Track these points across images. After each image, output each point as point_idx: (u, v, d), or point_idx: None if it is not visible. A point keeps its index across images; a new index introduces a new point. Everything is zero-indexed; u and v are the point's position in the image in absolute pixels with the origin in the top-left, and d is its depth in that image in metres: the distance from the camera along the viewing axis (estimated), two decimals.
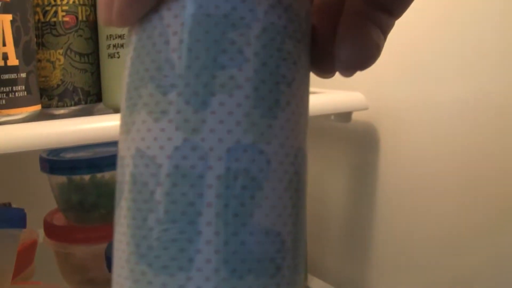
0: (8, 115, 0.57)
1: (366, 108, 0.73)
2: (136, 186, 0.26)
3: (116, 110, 0.64)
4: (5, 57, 0.57)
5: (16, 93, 0.58)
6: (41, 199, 0.83)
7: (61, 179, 0.78)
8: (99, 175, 0.77)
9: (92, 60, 0.64)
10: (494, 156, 0.64)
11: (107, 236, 0.75)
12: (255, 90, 0.26)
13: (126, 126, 0.27)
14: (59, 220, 0.80)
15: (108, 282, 0.82)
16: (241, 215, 0.25)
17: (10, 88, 0.57)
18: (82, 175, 0.77)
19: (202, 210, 0.25)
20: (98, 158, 0.76)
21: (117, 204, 0.27)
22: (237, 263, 0.25)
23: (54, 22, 0.62)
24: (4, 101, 0.57)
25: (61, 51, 0.62)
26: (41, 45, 0.63)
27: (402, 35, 0.71)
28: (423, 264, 0.73)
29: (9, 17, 0.57)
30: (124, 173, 0.27)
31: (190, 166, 0.25)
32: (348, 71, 0.27)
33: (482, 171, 0.65)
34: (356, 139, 0.80)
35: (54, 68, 0.63)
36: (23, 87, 0.58)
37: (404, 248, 0.75)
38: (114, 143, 0.83)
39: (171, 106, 0.25)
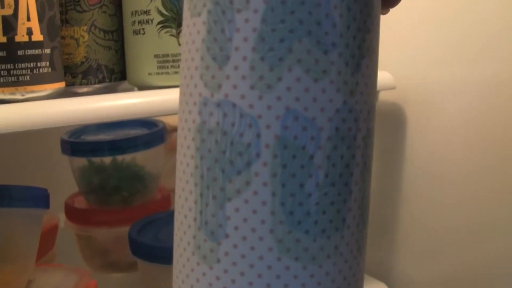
0: (33, 91, 0.56)
1: (393, 88, 0.71)
2: (287, 151, 0.24)
3: (140, 88, 0.63)
4: (30, 32, 0.56)
5: (41, 69, 0.57)
6: (61, 184, 0.82)
7: (82, 162, 0.77)
8: (119, 158, 0.76)
9: (117, 37, 0.63)
10: None
11: (129, 218, 0.74)
12: (375, 54, 0.27)
13: (262, 81, 0.24)
14: (80, 203, 0.79)
15: (130, 265, 0.81)
16: (367, 170, 0.26)
17: (34, 64, 0.56)
18: (103, 159, 0.76)
19: (353, 171, 0.25)
20: (120, 140, 0.75)
21: (236, 172, 0.25)
22: (362, 216, 0.27)
23: None
24: (28, 77, 0.56)
25: (85, 27, 0.61)
26: (64, 21, 0.62)
27: (431, 13, 0.70)
28: (450, 247, 0.72)
29: None
30: (259, 135, 0.24)
31: (348, 129, 0.25)
32: (382, 10, 0.30)
33: None
34: (383, 120, 0.78)
35: (78, 45, 0.62)
36: (48, 63, 0.57)
37: (431, 231, 0.74)
38: (135, 126, 0.82)
39: (333, 67, 0.24)
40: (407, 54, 0.74)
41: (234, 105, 0.25)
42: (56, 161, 0.83)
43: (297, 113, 0.24)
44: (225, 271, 0.25)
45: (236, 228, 0.25)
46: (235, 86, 0.25)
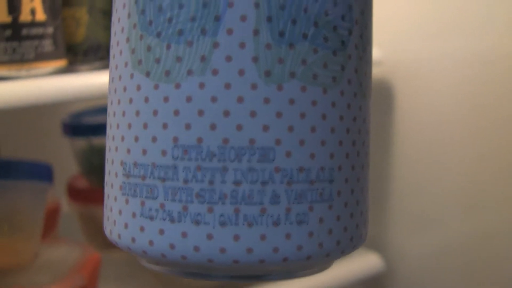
0: (37, 68, 0.59)
1: (380, 63, 0.72)
2: None
3: None
4: (33, 12, 0.58)
5: (44, 47, 0.59)
6: (62, 170, 0.84)
7: (83, 145, 0.79)
8: None
9: None
10: None
11: None
12: None
13: None
14: (82, 183, 0.82)
15: None
16: None
17: (38, 42, 0.59)
18: (103, 140, 0.79)
19: None
20: None
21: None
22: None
23: None
24: (33, 55, 0.59)
25: (85, 8, 0.64)
26: (65, 2, 0.64)
27: None
28: (444, 219, 0.73)
29: None
30: None
31: None
32: None
33: (503, 128, 0.65)
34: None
35: (79, 25, 0.64)
36: (51, 41, 0.60)
37: (425, 203, 0.75)
38: None
39: None
40: (395, 27, 0.74)
41: None
42: (57, 148, 0.86)
43: None
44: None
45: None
46: None
